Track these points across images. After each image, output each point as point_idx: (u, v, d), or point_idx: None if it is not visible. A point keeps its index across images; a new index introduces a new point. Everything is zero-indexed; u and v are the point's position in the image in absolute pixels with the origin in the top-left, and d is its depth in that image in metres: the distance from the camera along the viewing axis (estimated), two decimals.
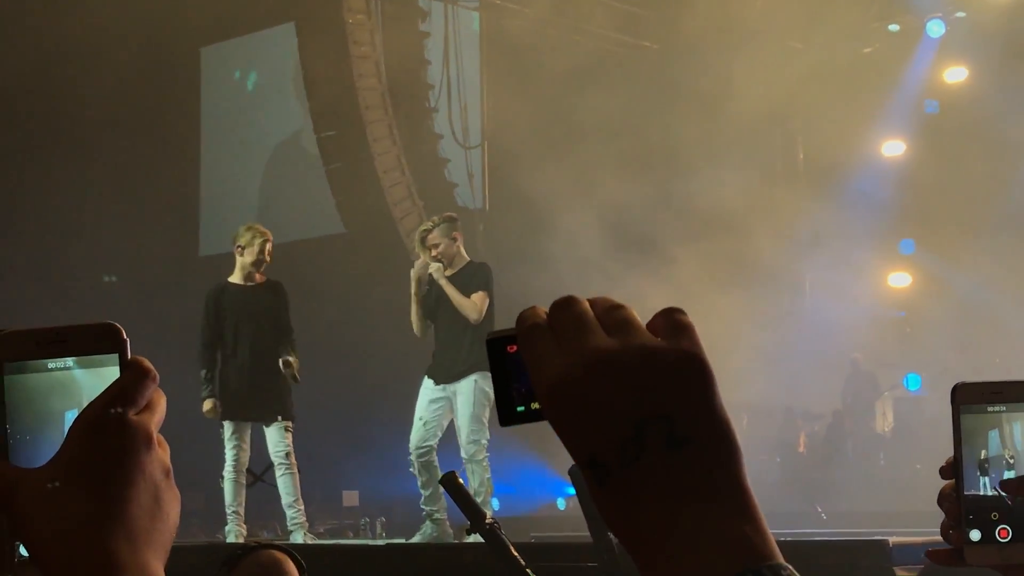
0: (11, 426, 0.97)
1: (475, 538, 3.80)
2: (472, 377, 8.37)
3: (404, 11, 15.11)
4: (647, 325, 0.93)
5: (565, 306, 0.94)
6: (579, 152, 14.22)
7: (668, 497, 0.89)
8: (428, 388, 8.58)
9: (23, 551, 0.95)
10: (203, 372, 8.59)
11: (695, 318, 0.96)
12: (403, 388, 11.55)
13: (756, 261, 14.75)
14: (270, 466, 8.71)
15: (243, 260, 8.71)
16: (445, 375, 8.51)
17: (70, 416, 0.96)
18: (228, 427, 8.55)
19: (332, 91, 14.31)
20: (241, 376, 8.57)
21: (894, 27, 16.34)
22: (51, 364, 0.97)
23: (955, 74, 16.03)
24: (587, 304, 0.94)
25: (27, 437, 0.97)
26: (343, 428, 13.94)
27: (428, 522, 8.50)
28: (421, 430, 8.46)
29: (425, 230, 8.63)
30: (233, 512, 8.60)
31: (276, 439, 8.58)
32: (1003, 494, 1.37)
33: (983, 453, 1.38)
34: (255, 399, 8.60)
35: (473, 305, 8.43)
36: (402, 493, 12.35)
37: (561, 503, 14.26)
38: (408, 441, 8.58)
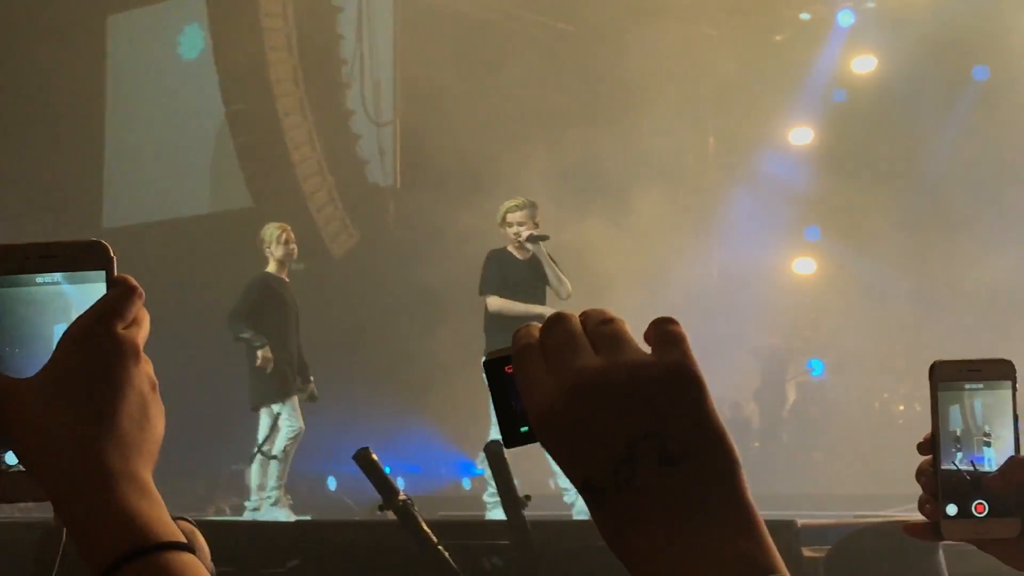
0: (1, 339, 0.99)
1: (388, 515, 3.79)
2: None
3: None
4: (644, 335, 0.92)
5: (554, 324, 0.93)
6: (492, 131, 14.20)
7: (666, 516, 0.87)
8: None
9: (9, 459, 0.98)
10: (250, 332, 9.23)
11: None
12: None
13: (664, 244, 14.83)
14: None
15: (274, 256, 9.27)
16: None
17: (58, 330, 0.98)
18: (282, 407, 9.22)
19: (242, 63, 14.11)
20: (290, 362, 9.28)
21: (805, 15, 16.52)
22: (39, 279, 0.99)
23: (864, 64, 16.24)
24: (577, 321, 0.93)
25: (15, 350, 0.98)
26: (244, 403, 13.78)
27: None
28: None
29: (515, 206, 8.75)
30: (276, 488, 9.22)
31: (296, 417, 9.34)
32: (977, 468, 1.41)
33: (958, 430, 1.40)
34: (294, 382, 9.37)
35: (566, 284, 8.63)
36: (304, 471, 12.24)
37: (467, 482, 14.28)
38: None
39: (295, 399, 9.34)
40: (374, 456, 4.23)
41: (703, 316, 15.67)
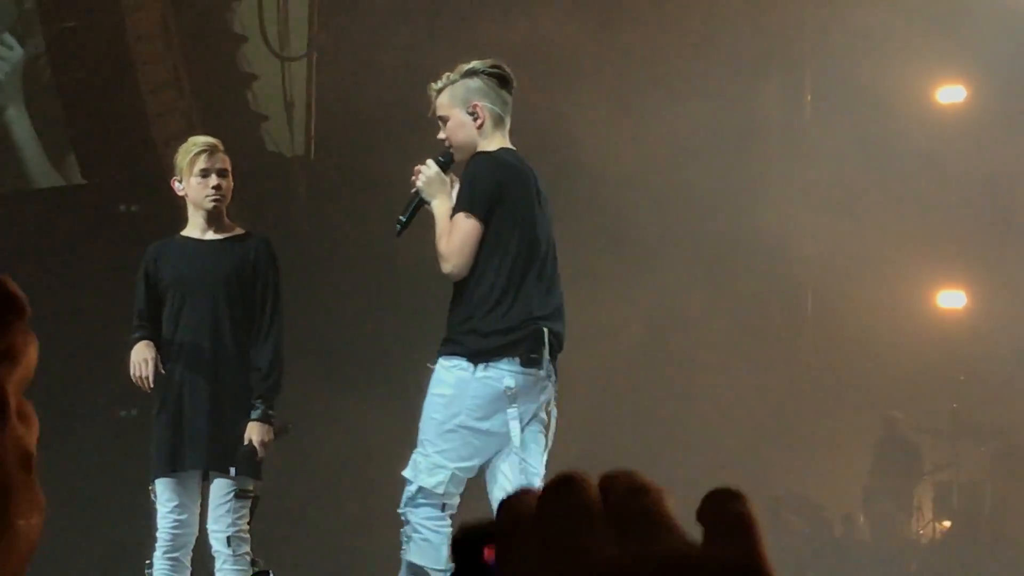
0: None
1: None
2: (439, 363, 5.30)
3: None
4: (696, 512, 0.69)
5: (561, 494, 0.70)
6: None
7: None
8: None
9: None
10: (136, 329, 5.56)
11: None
12: None
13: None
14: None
15: (189, 199, 5.66)
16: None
17: None
18: (161, 485, 5.57)
19: None
20: (186, 396, 5.54)
21: None
22: None
23: None
24: (593, 490, 0.69)
25: None
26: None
27: None
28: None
29: (434, 90, 5.34)
30: None
31: (220, 506, 5.56)
32: None
33: None
34: (203, 434, 5.54)
35: (443, 245, 5.16)
36: None
37: None
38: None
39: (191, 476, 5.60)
40: None
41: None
